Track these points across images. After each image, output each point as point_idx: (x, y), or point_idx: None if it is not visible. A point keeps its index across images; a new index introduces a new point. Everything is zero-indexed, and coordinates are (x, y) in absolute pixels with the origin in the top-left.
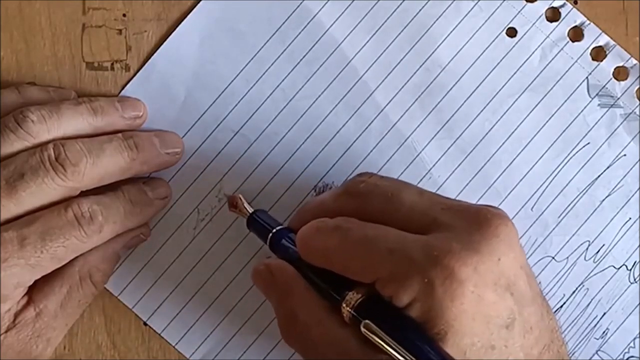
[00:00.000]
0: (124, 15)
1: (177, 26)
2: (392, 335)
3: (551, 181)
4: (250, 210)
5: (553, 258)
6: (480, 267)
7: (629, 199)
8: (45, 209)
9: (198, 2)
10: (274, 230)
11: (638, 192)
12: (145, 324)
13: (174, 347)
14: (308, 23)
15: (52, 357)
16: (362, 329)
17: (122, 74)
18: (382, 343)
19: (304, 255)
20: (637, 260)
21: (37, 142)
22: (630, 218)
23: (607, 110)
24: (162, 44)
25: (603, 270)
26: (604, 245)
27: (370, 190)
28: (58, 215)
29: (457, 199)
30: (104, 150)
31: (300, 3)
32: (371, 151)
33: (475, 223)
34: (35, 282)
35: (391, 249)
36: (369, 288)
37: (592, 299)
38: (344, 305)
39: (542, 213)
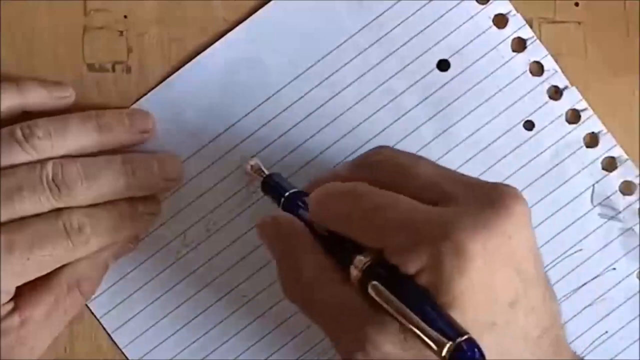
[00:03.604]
0: (125, 16)
1: (177, 26)
2: (399, 298)
3: None
4: (265, 172)
5: None
6: (490, 243)
7: (609, 313)
8: (35, 216)
9: (203, 3)
10: (288, 193)
11: (620, 307)
12: (109, 336)
13: None
14: (329, 76)
15: (53, 359)
16: (370, 290)
17: (123, 75)
18: (388, 306)
19: (314, 218)
20: None
21: (40, 157)
22: (606, 332)
23: (606, 221)
24: (162, 45)
25: None
26: (575, 352)
27: (385, 160)
28: (48, 224)
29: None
30: (100, 175)
31: (332, 51)
32: None
33: (488, 199)
34: (22, 289)
35: (401, 218)
36: (377, 253)
37: None
38: (352, 268)
39: None
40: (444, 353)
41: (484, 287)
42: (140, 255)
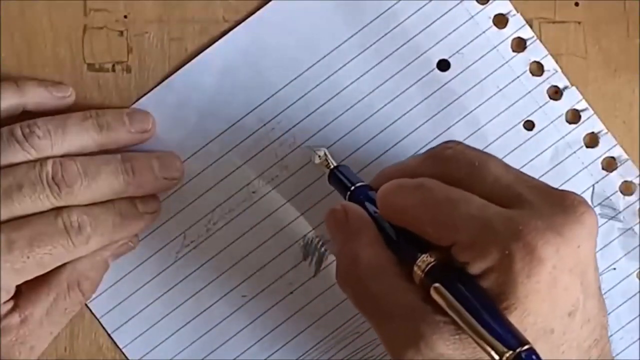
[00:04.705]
0: (125, 16)
1: (177, 26)
2: (462, 302)
3: None
4: (334, 164)
5: None
6: (562, 250)
7: (609, 313)
8: (35, 215)
9: (203, 3)
10: (354, 187)
11: (620, 307)
12: (109, 336)
13: None
14: (329, 76)
15: (53, 358)
16: (432, 292)
17: (123, 75)
18: (450, 310)
19: (383, 212)
20: None
21: (39, 156)
22: None
23: (606, 222)
24: (162, 45)
25: None
26: None
27: (456, 156)
28: (48, 222)
29: None
30: (100, 174)
31: (331, 51)
32: None
33: (560, 206)
34: (22, 288)
35: (474, 214)
36: (443, 253)
37: None
38: (416, 267)
39: None
40: None
41: (548, 293)
42: (140, 255)
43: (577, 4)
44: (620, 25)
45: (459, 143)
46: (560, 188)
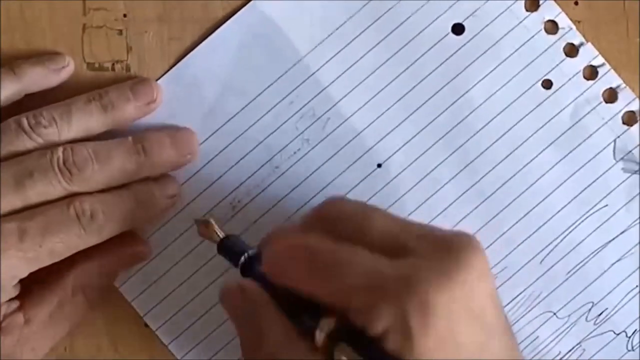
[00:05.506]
0: (125, 15)
1: (177, 25)
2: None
3: (564, 238)
4: (222, 235)
5: (555, 314)
6: (454, 296)
7: (635, 270)
8: (47, 204)
9: (202, 2)
10: (245, 256)
11: None
12: (142, 320)
13: (166, 346)
14: (344, 47)
15: (53, 359)
16: (336, 353)
17: (123, 74)
18: None
19: (272, 277)
20: (638, 329)
21: (48, 144)
22: (637, 286)
23: (629, 176)
24: (162, 44)
25: (602, 333)
26: (607, 309)
27: (340, 213)
28: (60, 211)
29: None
30: (111, 157)
31: (346, 22)
32: (388, 183)
33: (447, 251)
34: (28, 289)
35: (362, 275)
36: (341, 315)
37: None
38: (318, 332)
39: (551, 268)
40: None
41: (448, 343)
42: (167, 238)
43: (576, 4)
44: (620, 25)
45: (340, 199)
46: (581, 145)
